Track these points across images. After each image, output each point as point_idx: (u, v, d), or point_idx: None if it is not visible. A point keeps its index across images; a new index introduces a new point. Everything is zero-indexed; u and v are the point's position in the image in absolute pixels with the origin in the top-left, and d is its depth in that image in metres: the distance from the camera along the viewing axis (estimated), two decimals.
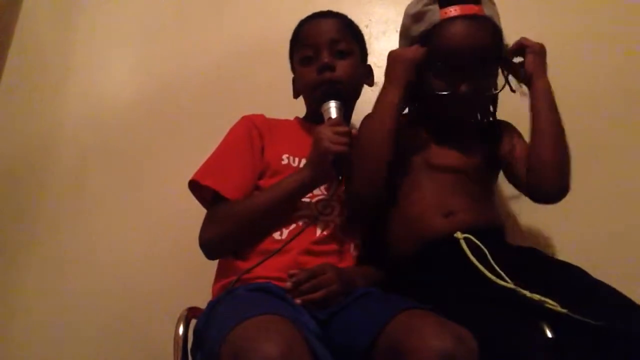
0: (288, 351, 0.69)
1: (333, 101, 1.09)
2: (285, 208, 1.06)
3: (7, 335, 1.47)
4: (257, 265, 0.99)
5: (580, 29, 1.46)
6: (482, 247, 0.94)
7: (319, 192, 1.10)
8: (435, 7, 1.04)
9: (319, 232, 1.06)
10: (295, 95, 1.28)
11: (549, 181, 1.01)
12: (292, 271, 0.97)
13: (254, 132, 1.17)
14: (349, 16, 1.26)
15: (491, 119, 1.18)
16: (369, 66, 1.28)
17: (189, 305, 1.08)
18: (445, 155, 1.11)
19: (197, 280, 1.37)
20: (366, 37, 1.29)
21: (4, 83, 1.75)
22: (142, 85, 1.68)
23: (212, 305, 0.96)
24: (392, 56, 1.08)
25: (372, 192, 1.04)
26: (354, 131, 1.05)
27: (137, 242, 1.47)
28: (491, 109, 1.17)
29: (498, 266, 0.91)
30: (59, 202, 1.57)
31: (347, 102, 1.15)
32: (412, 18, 1.09)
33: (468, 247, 0.96)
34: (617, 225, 1.33)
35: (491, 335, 0.78)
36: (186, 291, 1.36)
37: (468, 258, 0.94)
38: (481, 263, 0.92)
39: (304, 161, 1.11)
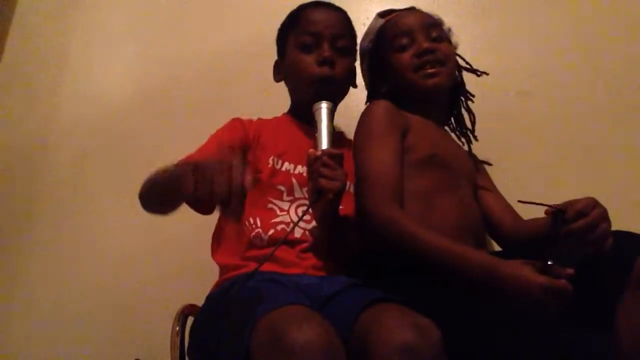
0: (327, 340, 0.70)
1: (325, 102, 1.05)
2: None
3: (6, 333, 1.47)
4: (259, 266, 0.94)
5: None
6: None
7: (301, 197, 1.09)
8: (378, 19, 1.20)
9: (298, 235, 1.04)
10: (278, 79, 1.24)
11: None
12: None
13: (238, 128, 1.15)
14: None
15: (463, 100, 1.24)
16: (355, 67, 1.24)
17: (186, 303, 1.08)
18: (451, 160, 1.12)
19: (195, 278, 1.37)
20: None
21: (0, 80, 1.74)
22: (138, 83, 1.68)
23: (215, 301, 0.94)
24: None
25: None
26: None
27: (135, 240, 1.48)
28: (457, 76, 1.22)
29: None
30: (56, 199, 1.58)
31: (336, 102, 1.13)
32: (363, 40, 1.22)
33: None
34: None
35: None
36: (184, 289, 1.36)
37: None
38: None
39: (286, 165, 1.11)
